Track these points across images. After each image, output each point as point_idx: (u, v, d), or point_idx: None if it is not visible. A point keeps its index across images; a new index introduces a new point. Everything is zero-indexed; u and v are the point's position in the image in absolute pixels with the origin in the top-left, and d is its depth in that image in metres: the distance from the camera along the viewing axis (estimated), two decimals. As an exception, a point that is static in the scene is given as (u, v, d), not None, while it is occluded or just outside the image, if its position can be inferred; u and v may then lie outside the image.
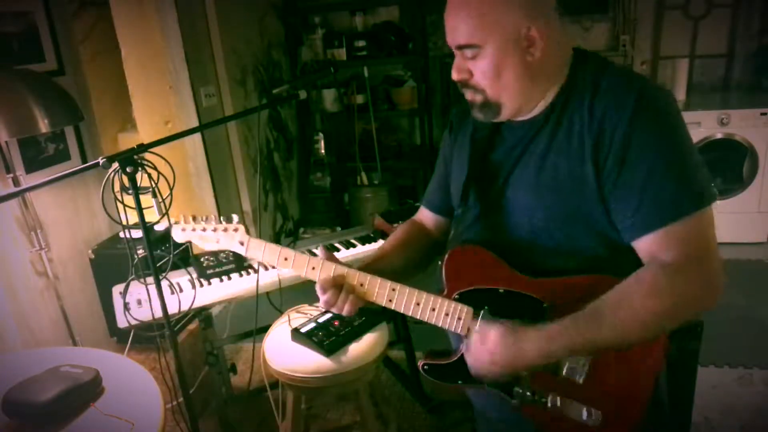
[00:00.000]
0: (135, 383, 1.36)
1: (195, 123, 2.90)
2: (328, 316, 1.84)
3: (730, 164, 3.45)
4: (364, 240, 2.17)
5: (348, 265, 1.11)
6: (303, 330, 1.77)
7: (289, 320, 1.90)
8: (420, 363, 1.10)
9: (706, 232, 0.93)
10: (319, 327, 1.78)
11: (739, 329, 2.65)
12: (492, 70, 0.99)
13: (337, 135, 4.18)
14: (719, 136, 3.38)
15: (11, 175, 1.89)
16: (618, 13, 3.89)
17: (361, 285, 1.08)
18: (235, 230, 1.14)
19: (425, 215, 1.34)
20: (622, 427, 1.03)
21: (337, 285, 1.08)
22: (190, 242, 1.19)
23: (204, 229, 1.16)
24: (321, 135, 4.10)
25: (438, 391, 1.13)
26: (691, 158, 0.94)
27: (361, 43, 3.90)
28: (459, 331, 1.05)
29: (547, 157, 1.01)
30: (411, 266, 1.25)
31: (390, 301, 1.07)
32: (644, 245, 0.95)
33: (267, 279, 1.95)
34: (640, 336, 0.94)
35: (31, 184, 1.44)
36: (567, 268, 1.01)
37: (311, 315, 1.88)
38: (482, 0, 0.96)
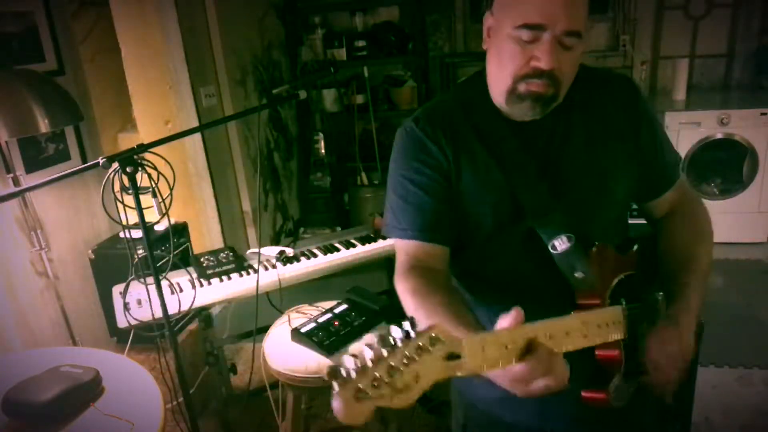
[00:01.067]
0: (135, 383, 1.36)
1: (195, 123, 2.90)
2: (328, 316, 1.84)
3: (730, 164, 3.45)
4: (364, 240, 2.17)
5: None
6: (303, 330, 1.77)
7: (289, 320, 1.90)
8: (604, 397, 0.94)
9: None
10: (319, 327, 1.78)
11: (739, 329, 2.65)
12: (576, 63, 0.97)
13: (337, 135, 4.18)
14: (719, 136, 3.38)
15: (11, 175, 1.89)
16: (618, 13, 3.89)
17: (549, 337, 0.78)
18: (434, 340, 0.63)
19: (429, 252, 1.04)
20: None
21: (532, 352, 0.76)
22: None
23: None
24: (321, 135, 4.10)
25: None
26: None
27: (361, 43, 3.90)
28: (619, 336, 0.92)
29: (589, 130, 1.04)
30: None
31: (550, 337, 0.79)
32: (666, 199, 1.13)
33: (267, 279, 1.95)
34: (711, 265, 1.10)
35: (31, 184, 1.44)
36: (622, 243, 1.09)
37: (311, 315, 1.88)
38: None
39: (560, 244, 0.99)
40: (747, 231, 3.51)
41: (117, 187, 1.40)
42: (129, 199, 1.41)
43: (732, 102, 3.60)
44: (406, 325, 0.62)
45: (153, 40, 2.72)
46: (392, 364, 0.58)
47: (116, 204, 1.42)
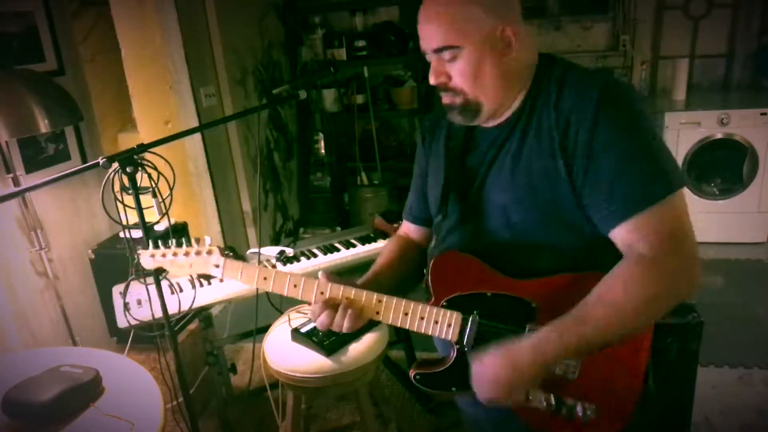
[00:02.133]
0: (135, 383, 1.35)
1: (195, 123, 2.90)
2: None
3: (730, 164, 3.45)
4: (364, 240, 2.17)
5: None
6: (303, 330, 1.77)
7: (289, 320, 1.90)
8: (411, 373, 1.09)
9: (679, 216, 0.94)
10: (319, 327, 1.78)
11: (739, 329, 2.65)
12: (471, 70, 1.01)
13: (337, 135, 4.18)
14: (719, 136, 3.38)
15: (11, 175, 1.89)
16: (618, 13, 3.89)
17: (347, 299, 1.06)
18: (209, 253, 1.09)
19: (409, 228, 1.35)
20: (615, 422, 1.03)
21: (328, 303, 1.06)
22: (162, 269, 1.14)
23: (175, 254, 1.11)
24: (321, 135, 4.10)
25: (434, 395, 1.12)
26: (657, 146, 0.96)
27: (361, 43, 3.90)
28: (450, 338, 1.05)
29: (520, 156, 1.03)
30: (404, 281, 1.24)
31: (377, 313, 1.06)
32: (620, 235, 0.96)
33: (267, 279, 1.95)
34: (627, 330, 0.94)
35: (31, 184, 1.44)
36: (550, 267, 1.02)
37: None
38: (455, 3, 0.99)
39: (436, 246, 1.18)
40: (747, 231, 3.51)
41: (117, 187, 1.40)
42: (129, 199, 1.41)
43: (732, 102, 3.60)
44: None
45: (153, 40, 2.72)
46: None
47: (116, 204, 1.42)
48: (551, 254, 1.03)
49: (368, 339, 1.75)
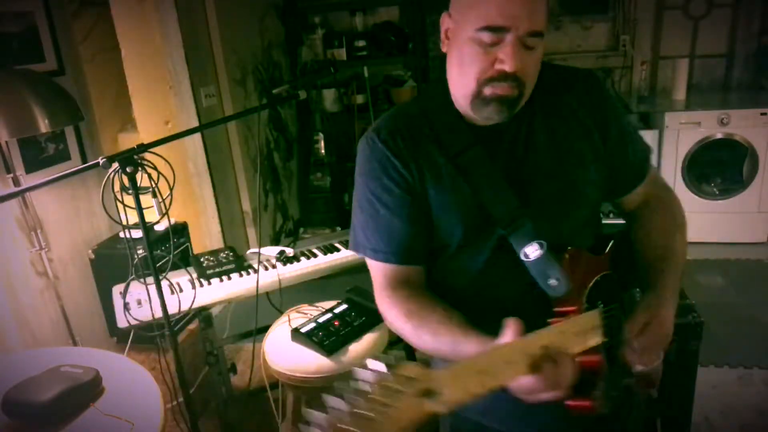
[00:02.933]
0: (135, 383, 1.36)
1: (195, 123, 2.90)
2: (328, 316, 1.84)
3: (730, 164, 3.45)
4: (364, 240, 2.17)
5: None
6: (303, 330, 1.77)
7: (289, 320, 1.90)
8: (590, 406, 0.87)
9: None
10: (319, 327, 1.78)
11: (739, 329, 2.65)
12: (539, 64, 0.95)
13: (337, 135, 4.18)
14: (719, 136, 3.38)
15: (11, 175, 1.89)
16: (618, 13, 3.89)
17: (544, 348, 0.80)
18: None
19: (406, 273, 1.03)
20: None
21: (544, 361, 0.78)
22: None
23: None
24: (321, 135, 4.10)
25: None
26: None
27: (361, 43, 3.90)
28: (599, 339, 0.89)
29: (553, 132, 1.02)
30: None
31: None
32: (637, 193, 1.12)
33: (267, 279, 1.95)
34: (686, 253, 1.09)
35: (31, 184, 1.44)
36: (587, 244, 1.08)
37: (311, 315, 1.88)
38: None
39: (532, 252, 0.96)
40: (747, 231, 3.51)
41: (117, 187, 1.40)
42: (129, 199, 1.41)
43: (732, 102, 3.60)
44: (374, 365, 0.61)
45: (153, 40, 2.72)
46: (366, 414, 0.56)
47: (116, 204, 1.42)
48: (591, 230, 1.09)
49: (368, 339, 1.75)
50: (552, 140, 1.01)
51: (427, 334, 0.94)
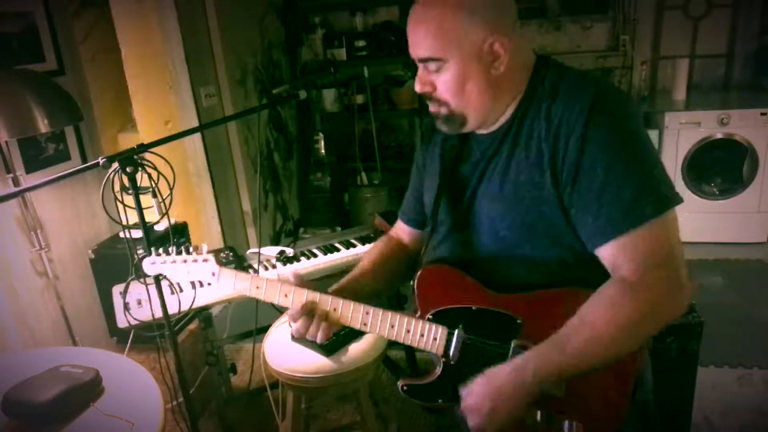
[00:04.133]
0: (135, 383, 1.35)
1: (195, 123, 2.90)
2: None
3: (730, 164, 3.45)
4: (364, 240, 2.17)
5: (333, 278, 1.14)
6: (303, 330, 1.76)
7: (289, 320, 1.89)
8: (399, 384, 1.10)
9: (669, 237, 0.90)
10: (319, 327, 1.77)
11: (739, 329, 2.65)
12: (455, 84, 0.98)
13: (337, 135, 4.18)
14: (719, 136, 3.38)
15: (11, 175, 1.89)
16: (618, 13, 3.89)
17: (335, 310, 1.08)
18: (205, 261, 1.15)
19: (402, 229, 1.33)
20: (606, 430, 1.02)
21: (309, 312, 1.08)
22: (162, 275, 1.21)
23: (174, 261, 1.17)
24: (321, 135, 4.10)
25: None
26: (650, 161, 0.92)
27: (361, 43, 3.90)
28: (436, 351, 1.05)
29: (509, 168, 1.01)
30: (389, 284, 1.25)
31: (365, 324, 1.07)
32: (606, 254, 0.93)
33: (267, 279, 1.95)
34: (608, 357, 0.92)
35: (31, 184, 1.44)
36: (538, 282, 1.01)
37: (311, 315, 1.88)
38: (443, 14, 0.94)
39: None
40: (747, 231, 3.51)
41: (117, 187, 1.40)
42: (129, 199, 1.41)
43: (732, 102, 3.60)
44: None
45: (153, 40, 2.72)
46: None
47: (116, 204, 1.42)
48: (539, 269, 1.00)
49: (368, 339, 1.75)
50: (505, 170, 1.02)
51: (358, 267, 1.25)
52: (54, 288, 2.04)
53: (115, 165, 1.36)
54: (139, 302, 1.77)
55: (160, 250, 1.18)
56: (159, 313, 1.54)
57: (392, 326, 1.06)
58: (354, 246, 2.14)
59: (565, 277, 0.99)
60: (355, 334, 1.76)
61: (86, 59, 2.48)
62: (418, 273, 1.08)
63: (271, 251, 2.09)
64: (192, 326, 2.47)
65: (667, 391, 1.09)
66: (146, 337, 1.77)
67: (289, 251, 2.09)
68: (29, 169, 2.05)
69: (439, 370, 1.06)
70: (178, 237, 2.35)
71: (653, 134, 3.52)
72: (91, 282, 2.30)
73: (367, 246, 2.14)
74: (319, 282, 2.10)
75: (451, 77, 0.98)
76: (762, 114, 3.28)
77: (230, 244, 3.13)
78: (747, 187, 3.42)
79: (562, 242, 0.98)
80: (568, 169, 0.93)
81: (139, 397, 1.29)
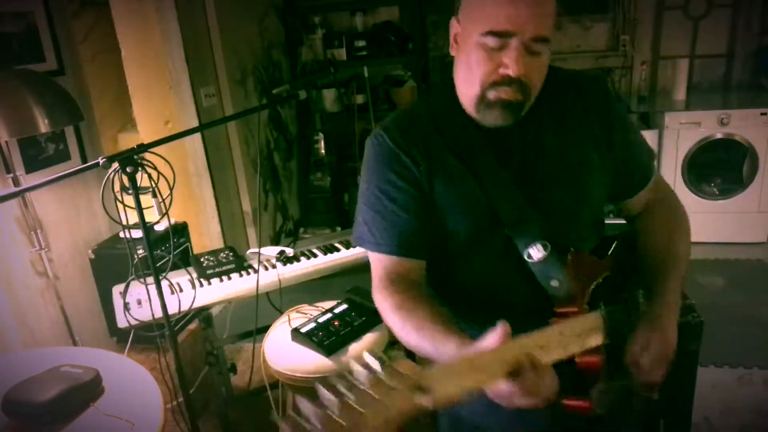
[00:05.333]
0: (135, 383, 1.36)
1: (195, 123, 2.90)
2: (328, 316, 1.84)
3: (730, 164, 3.45)
4: (364, 240, 2.17)
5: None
6: (303, 330, 1.77)
7: (289, 320, 1.90)
8: (590, 406, 0.91)
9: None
10: (319, 327, 1.78)
11: (739, 329, 2.65)
12: (545, 68, 0.96)
13: (337, 135, 4.18)
14: (719, 136, 3.38)
15: (11, 175, 1.89)
16: (618, 13, 3.89)
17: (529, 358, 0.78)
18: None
19: (406, 266, 1.03)
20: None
21: (515, 373, 0.76)
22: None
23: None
24: (321, 135, 4.10)
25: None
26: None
27: (361, 43, 3.90)
28: (599, 342, 0.89)
29: (562, 138, 1.04)
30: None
31: (540, 348, 0.81)
32: (641, 197, 1.14)
33: (267, 279, 1.95)
34: (689, 257, 1.10)
35: (31, 184, 1.44)
36: (597, 243, 1.12)
37: (311, 315, 1.88)
38: None
39: (536, 253, 0.98)
40: (747, 231, 3.51)
41: (117, 187, 1.40)
42: (129, 199, 1.41)
43: (732, 102, 3.60)
44: (370, 360, 0.62)
45: (153, 40, 2.72)
46: (356, 407, 0.57)
47: (116, 204, 1.42)
48: (595, 233, 1.11)
49: (368, 339, 1.75)
50: (560, 145, 1.03)
51: (412, 329, 0.93)
52: (54, 288, 2.04)
53: (115, 165, 1.36)
54: (139, 302, 1.77)
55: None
56: (159, 313, 1.54)
57: (561, 334, 0.84)
58: (354, 246, 2.14)
59: (602, 233, 1.15)
60: (355, 334, 1.76)
61: (86, 59, 2.48)
62: (566, 263, 0.97)
63: (271, 251, 2.09)
64: (192, 326, 2.47)
65: (667, 391, 1.09)
66: (146, 337, 1.78)
67: (289, 251, 2.09)
68: (29, 169, 2.06)
69: (603, 359, 0.91)
70: (178, 237, 2.35)
71: (653, 134, 3.52)
72: (91, 282, 2.30)
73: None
74: (319, 282, 2.10)
75: (545, 63, 0.95)
76: (762, 114, 3.28)
77: (230, 244, 3.13)
78: (747, 187, 3.42)
79: (606, 197, 1.12)
80: (619, 136, 1.07)
81: (139, 397, 1.29)
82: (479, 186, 1.01)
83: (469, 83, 0.97)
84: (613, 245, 1.12)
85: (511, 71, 0.90)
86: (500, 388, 0.75)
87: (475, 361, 0.73)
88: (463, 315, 1.03)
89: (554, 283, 0.97)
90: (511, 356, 0.74)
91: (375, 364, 0.61)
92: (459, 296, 1.08)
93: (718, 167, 3.49)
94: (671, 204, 1.16)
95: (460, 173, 1.01)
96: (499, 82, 0.92)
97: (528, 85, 0.93)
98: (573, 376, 0.90)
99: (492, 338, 0.76)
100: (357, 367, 0.62)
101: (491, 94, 0.94)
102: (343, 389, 0.59)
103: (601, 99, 1.06)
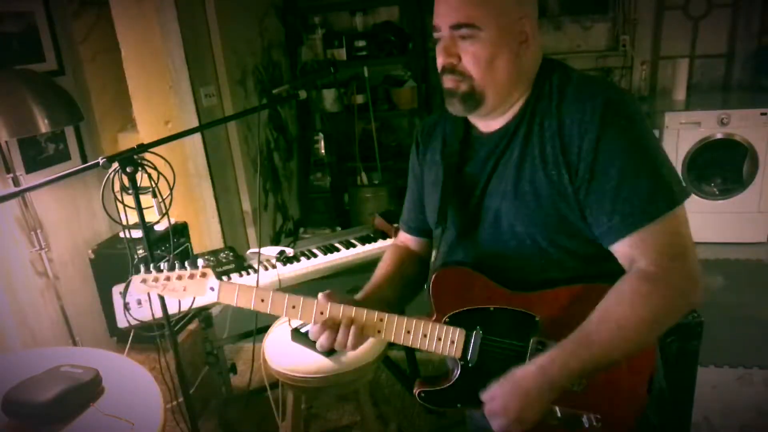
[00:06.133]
0: (135, 383, 1.35)
1: (195, 123, 2.90)
2: (328, 316, 1.84)
3: (730, 164, 3.45)
4: (364, 240, 2.17)
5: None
6: (303, 330, 1.77)
7: (289, 320, 1.90)
8: (416, 391, 1.07)
9: (682, 230, 0.94)
10: (319, 327, 1.78)
11: (739, 329, 2.65)
12: (486, 56, 0.95)
13: (337, 135, 4.18)
14: (719, 136, 3.38)
15: (11, 175, 1.89)
16: (618, 13, 3.89)
17: (347, 318, 1.04)
18: (204, 275, 1.06)
19: (407, 238, 1.28)
20: (621, 429, 1.02)
21: (332, 324, 1.03)
22: (150, 294, 1.15)
23: (168, 278, 1.08)
24: (321, 135, 4.10)
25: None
26: (660, 159, 0.96)
27: (361, 43, 3.90)
28: (453, 354, 1.03)
29: (523, 164, 1.00)
30: (404, 294, 1.20)
31: (379, 331, 1.04)
32: (621, 250, 0.95)
33: (267, 279, 1.95)
34: (631, 348, 0.93)
35: (31, 184, 1.44)
36: (554, 278, 1.00)
37: (311, 315, 1.88)
38: None
39: (436, 256, 1.11)
40: (747, 231, 3.51)
41: (117, 187, 1.40)
42: (129, 199, 1.41)
43: (732, 102, 3.60)
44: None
45: (153, 40, 2.72)
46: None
47: (116, 204, 1.42)
48: (554, 266, 1.01)
49: (368, 339, 1.75)
50: (519, 168, 1.00)
51: (374, 276, 1.19)
52: (54, 288, 2.04)
53: (115, 165, 1.36)
54: (139, 302, 1.77)
55: (151, 267, 1.09)
56: (159, 313, 1.54)
57: (408, 331, 1.03)
58: (354, 246, 2.14)
59: (580, 272, 1.00)
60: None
61: (86, 59, 2.49)
62: (433, 276, 1.05)
63: (271, 251, 2.09)
64: (192, 326, 2.47)
65: (667, 391, 1.09)
66: (146, 337, 1.77)
67: (289, 251, 2.09)
68: (29, 169, 2.06)
69: (457, 373, 1.04)
70: (178, 237, 2.35)
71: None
72: (91, 282, 2.30)
73: (368, 246, 2.14)
74: (319, 282, 2.10)
75: (482, 48, 0.94)
76: (762, 114, 3.28)
77: (230, 244, 3.13)
78: (747, 187, 3.42)
79: (578, 238, 0.99)
80: (583, 169, 0.94)
81: (139, 397, 1.29)
82: (438, 185, 1.12)
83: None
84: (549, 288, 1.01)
85: (439, 60, 0.99)
86: (313, 329, 1.04)
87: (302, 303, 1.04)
88: None
89: (426, 286, 1.08)
90: (337, 313, 1.03)
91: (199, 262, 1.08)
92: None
93: (718, 167, 3.49)
94: (656, 276, 0.90)
95: (437, 171, 1.13)
96: (442, 72, 0.99)
97: (467, 73, 0.97)
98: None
99: (321, 295, 1.05)
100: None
101: (443, 83, 1.01)
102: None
103: (592, 120, 0.93)
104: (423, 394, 1.06)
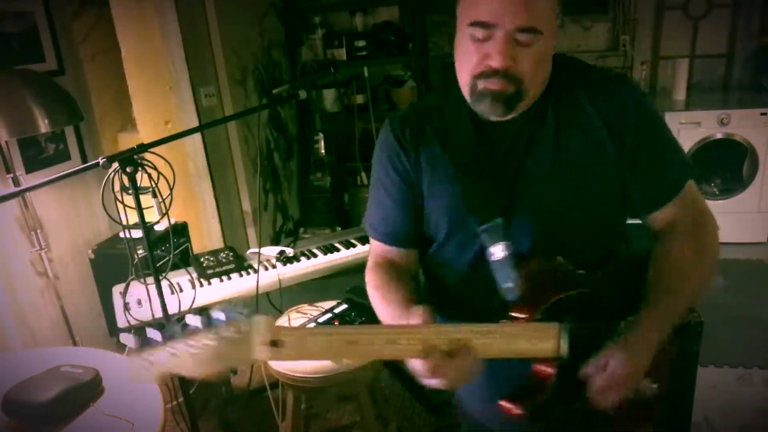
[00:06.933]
0: (135, 383, 1.35)
1: (195, 123, 2.90)
2: (328, 316, 1.84)
3: (730, 164, 3.45)
4: (364, 240, 2.17)
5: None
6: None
7: (289, 320, 1.90)
8: (514, 412, 0.91)
9: (698, 193, 1.07)
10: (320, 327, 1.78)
11: (739, 329, 2.65)
12: (540, 60, 0.93)
13: (337, 135, 4.18)
14: (719, 136, 3.38)
15: (11, 175, 1.89)
16: (618, 13, 3.89)
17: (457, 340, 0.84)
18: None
19: (393, 253, 1.11)
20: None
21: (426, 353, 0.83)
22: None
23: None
24: (321, 135, 4.10)
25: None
26: (675, 138, 1.07)
27: (361, 43, 3.90)
28: (551, 354, 0.89)
29: (559, 136, 0.99)
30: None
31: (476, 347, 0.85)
32: (664, 214, 1.03)
33: (267, 279, 1.95)
34: (702, 293, 1.01)
35: (31, 184, 1.44)
36: (595, 259, 1.01)
37: (311, 315, 1.88)
38: None
39: (497, 252, 0.97)
40: (747, 231, 3.51)
41: (117, 187, 1.40)
42: (129, 199, 1.41)
43: (732, 102, 3.60)
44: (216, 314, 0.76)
45: (153, 40, 2.72)
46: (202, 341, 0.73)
47: (116, 204, 1.42)
48: (595, 245, 1.03)
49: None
50: (556, 144, 0.99)
51: (380, 304, 1.03)
52: (54, 288, 2.04)
53: (115, 165, 1.36)
54: (139, 302, 1.77)
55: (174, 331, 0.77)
56: (159, 313, 1.54)
57: (503, 333, 0.87)
58: (354, 246, 2.14)
59: (615, 248, 1.07)
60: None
61: (86, 59, 2.49)
62: (517, 270, 0.95)
63: (271, 251, 2.09)
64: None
65: (667, 391, 1.09)
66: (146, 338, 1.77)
67: (289, 251, 2.09)
68: (29, 169, 2.06)
69: (553, 374, 0.92)
70: (178, 237, 2.35)
71: (653, 134, 3.52)
72: (91, 282, 2.30)
73: (367, 246, 2.13)
74: (319, 282, 2.10)
75: (539, 53, 0.92)
76: (762, 114, 3.28)
77: (230, 244, 3.13)
78: (747, 187, 3.42)
79: (615, 207, 1.04)
80: (629, 143, 0.99)
81: (139, 397, 1.29)
82: (461, 180, 1.02)
83: (461, 73, 0.97)
84: (603, 268, 1.01)
85: (494, 63, 0.90)
86: (412, 363, 0.84)
87: (391, 334, 0.83)
88: (438, 306, 1.02)
89: (507, 286, 0.96)
90: (430, 337, 0.82)
91: (221, 318, 0.76)
92: (438, 286, 1.12)
93: (718, 167, 3.49)
94: (699, 227, 1.03)
95: (444, 165, 1.03)
96: (486, 74, 0.92)
97: (519, 77, 0.92)
98: (524, 382, 0.94)
99: (414, 318, 0.88)
100: (194, 320, 0.76)
101: (480, 85, 0.94)
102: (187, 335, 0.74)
103: (616, 99, 0.99)
104: (528, 415, 0.90)
